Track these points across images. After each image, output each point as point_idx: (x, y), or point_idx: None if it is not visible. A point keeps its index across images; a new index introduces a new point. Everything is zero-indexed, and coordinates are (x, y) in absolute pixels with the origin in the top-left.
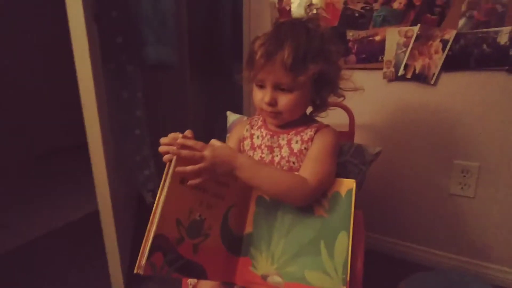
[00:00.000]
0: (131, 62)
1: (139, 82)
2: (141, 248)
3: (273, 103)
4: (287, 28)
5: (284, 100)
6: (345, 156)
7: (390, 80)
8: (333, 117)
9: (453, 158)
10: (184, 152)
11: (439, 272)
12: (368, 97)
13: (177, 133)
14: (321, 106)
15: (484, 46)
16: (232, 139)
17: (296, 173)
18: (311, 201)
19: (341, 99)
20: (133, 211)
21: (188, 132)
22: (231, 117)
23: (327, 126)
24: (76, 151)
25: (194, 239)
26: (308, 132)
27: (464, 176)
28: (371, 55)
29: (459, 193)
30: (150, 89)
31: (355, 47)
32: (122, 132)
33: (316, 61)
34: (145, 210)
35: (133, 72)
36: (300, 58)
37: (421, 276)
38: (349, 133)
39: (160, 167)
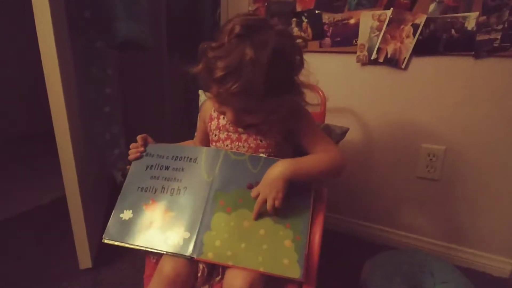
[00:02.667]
0: (100, 38)
1: (109, 58)
2: None
3: (238, 123)
4: (250, 52)
5: (249, 119)
6: None
7: (363, 64)
8: (306, 98)
9: (421, 142)
10: None
11: (403, 251)
12: (341, 80)
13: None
14: None
15: (453, 31)
16: (200, 121)
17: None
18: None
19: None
20: (106, 189)
21: (139, 138)
22: (203, 96)
23: (293, 105)
24: (50, 137)
25: None
26: (276, 113)
27: (431, 159)
28: (345, 39)
29: (425, 176)
30: (126, 67)
31: (330, 30)
32: (91, 110)
33: (281, 93)
34: (116, 190)
35: (102, 48)
36: (266, 90)
37: (385, 255)
38: (320, 114)
39: None
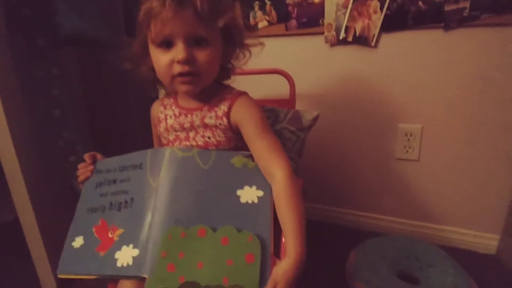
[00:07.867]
0: (42, 35)
1: (54, 57)
2: None
3: (190, 59)
4: None
5: (202, 55)
6: (282, 123)
7: (332, 45)
8: (274, 84)
9: (398, 122)
10: None
11: (388, 237)
12: (310, 63)
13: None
14: (230, 69)
15: (420, 3)
16: (152, 127)
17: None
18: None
19: (246, 60)
20: (73, 203)
21: (87, 157)
22: (162, 91)
23: (241, 95)
24: None
25: None
26: (222, 107)
27: (409, 139)
28: (311, 19)
29: (404, 157)
30: (87, 67)
31: (295, 11)
32: (40, 115)
33: (228, 5)
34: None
35: (45, 46)
36: (215, 2)
37: (370, 242)
38: (290, 101)
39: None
